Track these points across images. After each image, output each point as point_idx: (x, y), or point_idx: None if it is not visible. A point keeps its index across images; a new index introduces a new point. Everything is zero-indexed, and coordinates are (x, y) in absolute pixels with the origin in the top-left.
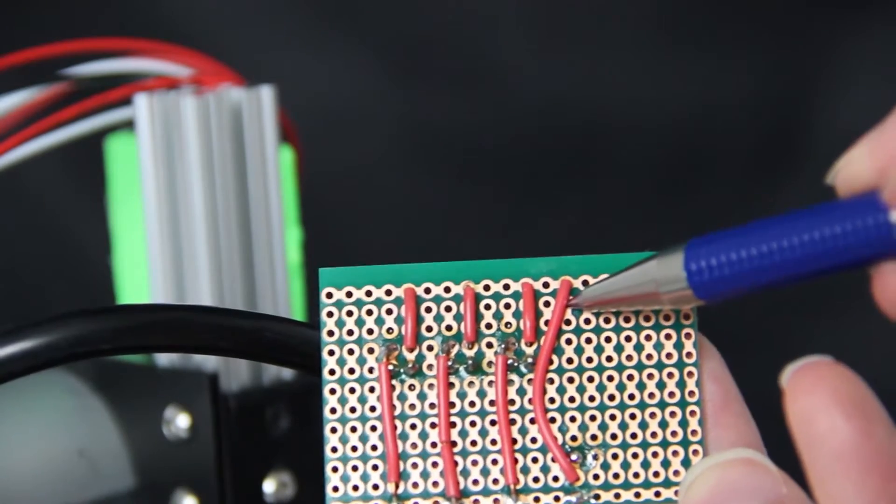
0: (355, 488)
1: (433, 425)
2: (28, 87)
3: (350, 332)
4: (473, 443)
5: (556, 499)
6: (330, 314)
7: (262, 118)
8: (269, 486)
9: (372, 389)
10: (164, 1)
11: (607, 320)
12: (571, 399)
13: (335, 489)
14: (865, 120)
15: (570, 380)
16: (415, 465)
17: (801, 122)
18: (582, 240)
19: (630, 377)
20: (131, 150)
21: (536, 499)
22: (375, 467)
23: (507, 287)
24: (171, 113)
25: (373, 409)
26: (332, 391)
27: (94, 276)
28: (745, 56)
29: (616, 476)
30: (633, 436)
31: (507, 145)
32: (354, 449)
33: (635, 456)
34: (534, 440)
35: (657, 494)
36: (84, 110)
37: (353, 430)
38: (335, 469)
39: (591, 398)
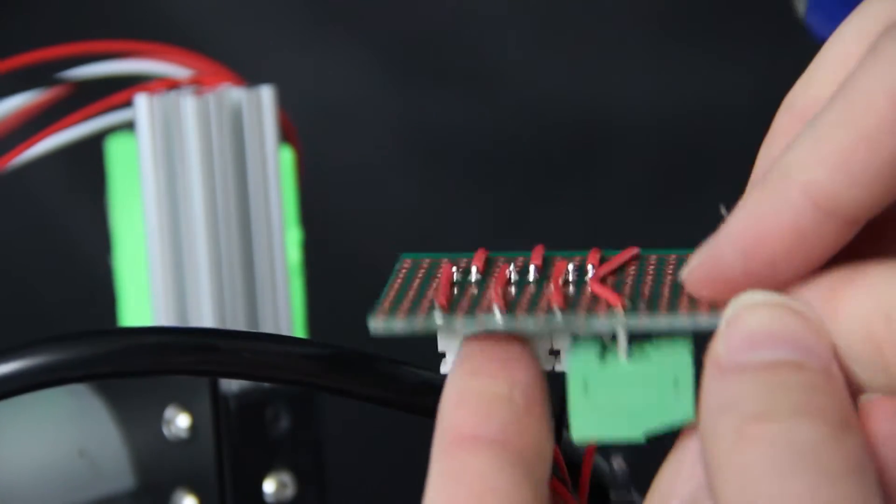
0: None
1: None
2: (28, 91)
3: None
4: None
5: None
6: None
7: (262, 118)
8: (269, 486)
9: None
10: (164, 2)
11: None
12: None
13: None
14: None
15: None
16: (466, 298)
17: None
18: (582, 239)
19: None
20: (131, 151)
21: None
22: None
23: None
24: (171, 113)
25: (435, 279)
26: (405, 266)
27: (94, 276)
28: (745, 56)
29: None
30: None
31: (506, 145)
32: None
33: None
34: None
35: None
36: (85, 113)
37: (415, 282)
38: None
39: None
